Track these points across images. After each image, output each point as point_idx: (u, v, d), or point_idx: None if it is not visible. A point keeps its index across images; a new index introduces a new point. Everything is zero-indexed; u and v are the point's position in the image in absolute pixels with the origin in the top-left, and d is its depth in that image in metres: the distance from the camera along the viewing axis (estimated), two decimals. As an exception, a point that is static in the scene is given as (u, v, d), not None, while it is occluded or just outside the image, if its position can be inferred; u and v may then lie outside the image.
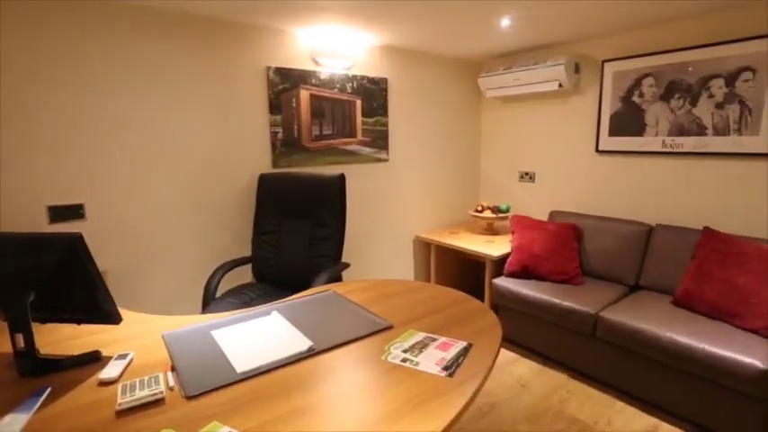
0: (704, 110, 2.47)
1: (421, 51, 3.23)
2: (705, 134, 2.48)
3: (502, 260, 2.89)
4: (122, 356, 1.21)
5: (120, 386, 1.07)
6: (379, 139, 3.08)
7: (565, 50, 3.07)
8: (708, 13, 2.38)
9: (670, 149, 2.63)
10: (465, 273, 3.66)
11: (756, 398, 1.76)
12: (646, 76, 2.68)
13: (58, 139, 1.94)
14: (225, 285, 2.51)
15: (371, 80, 2.97)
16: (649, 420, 2.06)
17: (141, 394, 1.02)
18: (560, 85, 2.93)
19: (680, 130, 2.58)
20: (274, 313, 1.54)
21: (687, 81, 2.51)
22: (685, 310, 2.23)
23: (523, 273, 2.71)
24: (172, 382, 1.10)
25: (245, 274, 2.61)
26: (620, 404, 2.18)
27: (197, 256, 2.42)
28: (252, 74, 2.47)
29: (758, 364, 1.72)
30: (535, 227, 2.79)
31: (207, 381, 1.10)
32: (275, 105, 2.58)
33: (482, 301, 3.25)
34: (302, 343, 1.31)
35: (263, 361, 1.21)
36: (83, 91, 1.98)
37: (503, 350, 2.73)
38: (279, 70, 2.55)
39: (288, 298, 1.71)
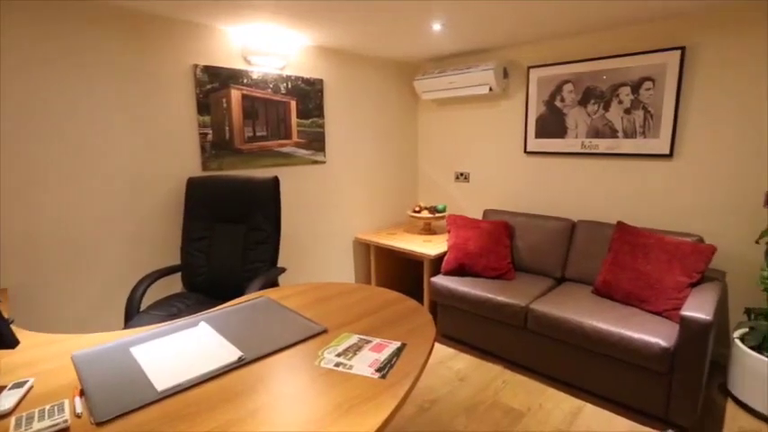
0: (615, 114, 2.70)
1: (356, 53, 3.23)
2: (617, 137, 2.71)
3: (439, 259, 2.97)
4: (19, 385, 1.08)
5: (13, 419, 0.95)
6: (316, 141, 3.04)
7: (494, 56, 3.22)
8: (617, 27, 2.61)
9: (588, 150, 2.85)
10: (405, 272, 3.71)
11: (661, 373, 1.96)
12: (566, 82, 2.88)
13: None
14: (153, 296, 2.34)
15: (306, 81, 2.93)
16: (575, 402, 2.21)
17: (40, 426, 0.92)
18: (491, 89, 3.06)
19: (596, 133, 2.80)
20: (202, 324, 1.46)
21: (600, 88, 2.74)
22: (604, 299, 2.43)
23: (460, 270, 2.80)
24: (80, 409, 1.00)
25: (175, 284, 2.45)
26: (550, 390, 2.32)
27: (118, 267, 2.23)
28: (177, 72, 2.33)
29: (662, 342, 1.91)
30: (470, 225, 2.89)
31: (122, 403, 1.02)
32: (204, 105, 2.45)
33: (422, 299, 3.33)
34: (231, 354, 1.26)
35: (187, 376, 1.14)
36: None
37: (443, 346, 2.80)
38: (207, 69, 2.43)
39: (218, 307, 1.63)
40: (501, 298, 2.48)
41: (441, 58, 3.50)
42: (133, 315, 1.94)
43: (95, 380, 1.11)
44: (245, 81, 2.61)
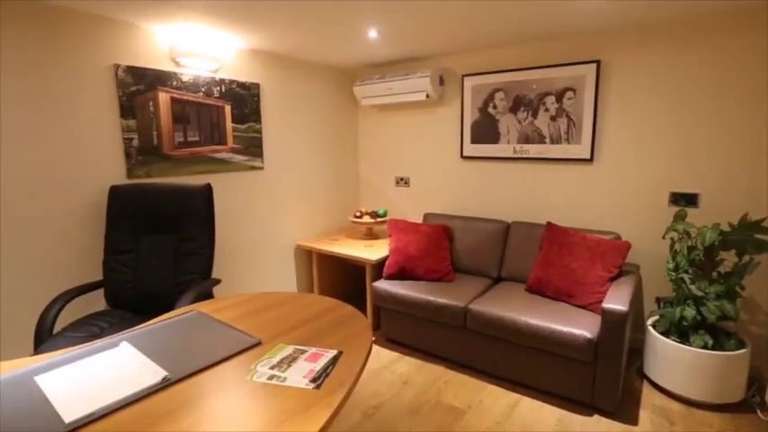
0: (542, 122, 2.88)
1: (294, 57, 3.18)
2: (544, 142, 2.89)
3: (381, 263, 2.99)
4: None
5: None
6: (253, 147, 2.95)
7: (431, 64, 3.32)
8: (543, 40, 2.78)
9: (519, 155, 3.01)
10: (348, 278, 3.69)
11: (586, 362, 2.10)
12: (497, 90, 3.03)
13: None
14: (72, 315, 2.14)
15: (242, 85, 2.83)
16: (513, 396, 2.31)
17: None
18: (428, 96, 3.14)
19: (526, 139, 2.97)
20: (123, 344, 1.35)
21: (529, 96, 2.90)
22: (536, 296, 2.57)
23: (401, 274, 2.83)
24: (-32, 449, 0.88)
25: (97, 302, 2.26)
26: (490, 387, 2.40)
27: (26, 287, 2.01)
28: (95, 72, 2.16)
29: (587, 334, 2.06)
30: (410, 229, 2.94)
31: (21, 439, 0.91)
32: (128, 109, 2.29)
33: (365, 304, 3.33)
34: (155, 374, 1.18)
35: (102, 403, 1.05)
36: None
37: (387, 350, 2.82)
38: (131, 69, 2.28)
39: (142, 324, 1.52)
40: (441, 300, 2.54)
41: (379, 65, 3.54)
42: (44, 339, 1.76)
43: (-10, 415, 0.99)
44: (174, 83, 2.48)
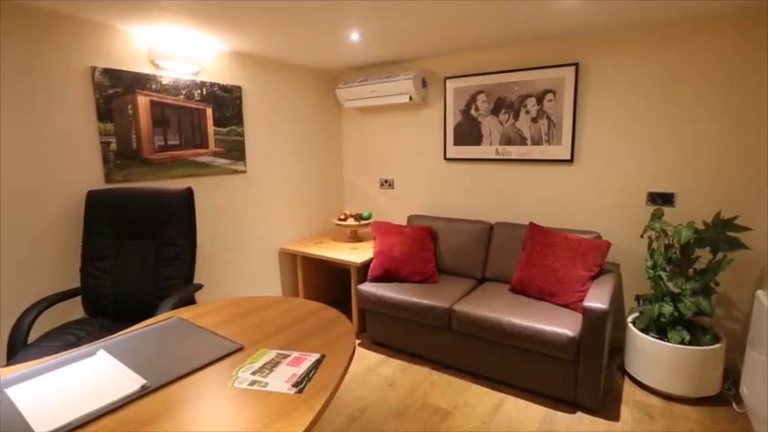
0: (524, 123, 2.92)
1: (277, 60, 3.17)
2: (526, 144, 2.93)
3: (366, 266, 2.99)
4: None
5: None
6: (235, 150, 2.92)
7: (414, 66, 3.33)
8: (523, 44, 2.83)
9: (501, 156, 3.04)
10: (333, 281, 3.68)
11: (568, 360, 2.14)
12: (479, 92, 3.06)
13: None
14: (48, 325, 2.09)
15: (223, 87, 2.80)
16: (498, 396, 2.32)
17: None
18: (411, 98, 3.16)
19: (508, 140, 3.00)
20: (100, 352, 1.32)
21: (510, 98, 2.94)
22: (520, 296, 2.59)
23: (386, 276, 2.83)
24: (-66, 465, 0.85)
25: (75, 310, 2.20)
26: (474, 387, 2.42)
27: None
28: (71, 74, 2.11)
29: (568, 333, 2.09)
30: (394, 231, 2.95)
31: (-9, 453, 0.89)
32: (105, 112, 2.25)
33: (351, 308, 3.32)
34: (133, 382, 1.15)
35: (77, 413, 1.02)
36: None
37: (372, 353, 2.81)
38: (108, 72, 2.23)
39: (120, 332, 1.49)
40: (426, 301, 2.55)
41: (362, 67, 3.55)
42: (18, 350, 1.71)
43: (-42, 429, 0.96)
44: (153, 86, 2.44)
